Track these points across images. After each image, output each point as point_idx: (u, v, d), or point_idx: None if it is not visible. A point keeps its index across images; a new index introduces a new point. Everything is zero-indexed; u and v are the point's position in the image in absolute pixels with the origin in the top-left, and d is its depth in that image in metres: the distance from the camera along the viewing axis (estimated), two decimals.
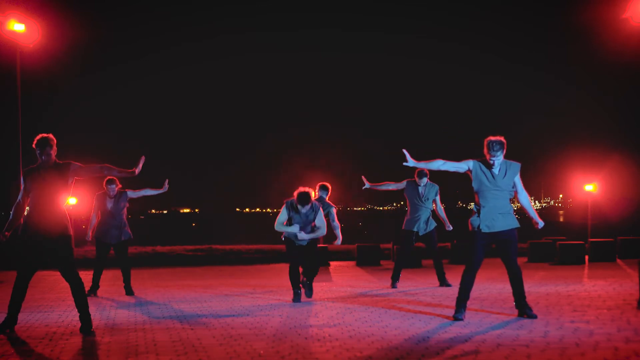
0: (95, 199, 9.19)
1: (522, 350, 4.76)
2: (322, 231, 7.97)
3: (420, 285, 9.63)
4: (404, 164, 6.48)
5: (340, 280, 10.70)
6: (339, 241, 8.78)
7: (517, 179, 6.34)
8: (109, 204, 9.06)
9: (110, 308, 7.75)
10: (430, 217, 9.41)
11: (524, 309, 6.24)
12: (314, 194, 9.17)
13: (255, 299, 8.37)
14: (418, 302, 7.60)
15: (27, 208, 6.17)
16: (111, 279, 11.28)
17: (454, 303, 6.65)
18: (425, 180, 9.25)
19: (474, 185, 6.33)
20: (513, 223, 6.29)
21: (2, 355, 5.19)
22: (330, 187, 9.29)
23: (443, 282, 9.37)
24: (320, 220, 7.93)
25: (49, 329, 6.27)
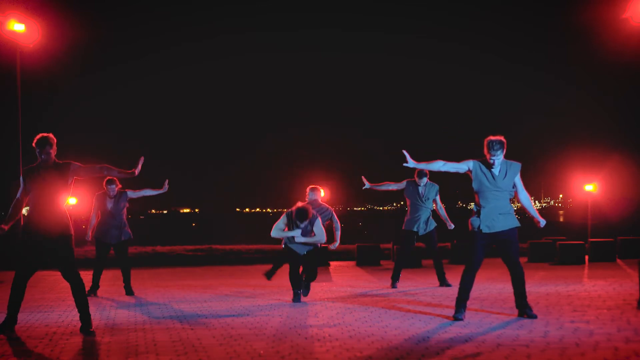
0: (95, 199, 9.19)
1: (522, 350, 4.76)
2: (321, 239, 8.00)
3: (420, 285, 9.63)
4: (404, 164, 6.48)
5: (340, 280, 10.70)
6: (336, 244, 8.76)
7: (518, 179, 6.34)
8: (109, 204, 9.07)
9: (110, 308, 7.75)
10: (430, 217, 9.41)
11: (524, 309, 6.24)
12: (321, 192, 9.19)
13: (255, 299, 8.37)
14: (418, 302, 7.60)
15: (27, 208, 6.17)
16: (111, 279, 11.28)
17: (454, 303, 6.65)
18: (425, 180, 9.25)
19: (474, 185, 6.32)
20: (513, 223, 6.29)
21: (2, 355, 5.19)
22: (320, 189, 9.28)
23: (443, 282, 9.37)
24: (318, 229, 7.96)
25: (49, 329, 6.27)
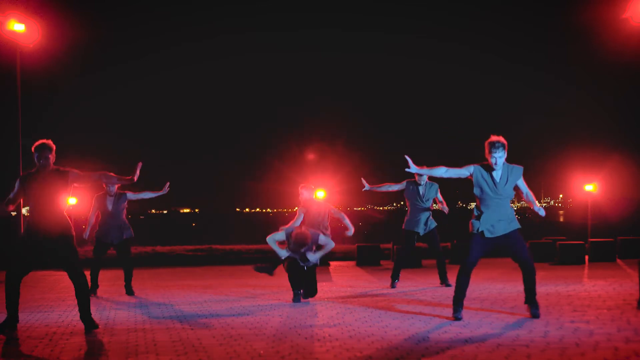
0: (95, 199, 9.20)
1: (522, 350, 4.76)
2: (329, 246, 8.08)
3: (420, 285, 9.63)
4: (407, 169, 6.50)
5: (340, 280, 10.70)
6: (351, 230, 9.06)
7: (521, 183, 6.31)
8: (109, 205, 9.09)
9: (110, 308, 7.75)
10: (431, 217, 9.41)
11: (530, 305, 6.23)
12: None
13: (255, 299, 8.37)
14: (418, 302, 7.60)
15: (27, 214, 6.17)
16: (111, 279, 11.29)
17: None
18: (425, 177, 9.24)
19: (475, 192, 6.32)
20: (515, 225, 6.30)
21: (2, 355, 5.19)
22: (312, 186, 9.34)
23: (444, 281, 9.37)
24: (323, 240, 8.00)
25: (49, 329, 6.27)
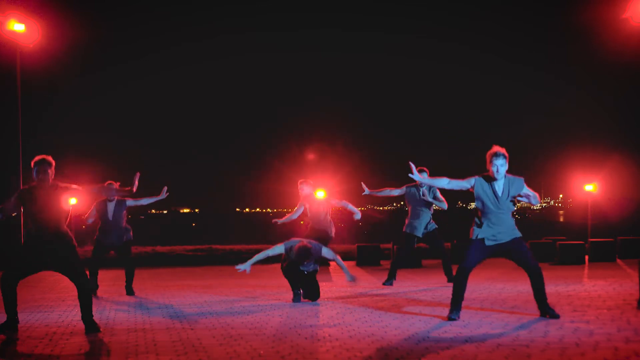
0: (96, 206, 9.25)
1: (522, 350, 4.75)
2: (333, 258, 8.14)
3: (420, 285, 9.64)
4: (410, 175, 6.53)
5: (340, 280, 10.70)
6: (357, 215, 9.41)
7: (526, 191, 6.28)
8: (110, 212, 9.16)
9: (110, 308, 7.75)
10: (431, 221, 9.41)
11: (544, 310, 6.23)
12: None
13: (255, 299, 8.37)
14: (418, 302, 7.60)
15: (29, 228, 6.20)
16: (111, 279, 11.29)
17: None
18: (425, 175, 9.21)
19: (477, 204, 6.33)
20: (516, 234, 6.33)
21: (2, 355, 5.19)
22: (310, 181, 9.37)
23: (451, 279, 9.39)
24: (326, 254, 8.01)
25: (49, 329, 6.27)
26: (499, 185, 6.21)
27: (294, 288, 8.00)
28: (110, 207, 9.13)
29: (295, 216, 9.42)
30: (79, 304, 6.16)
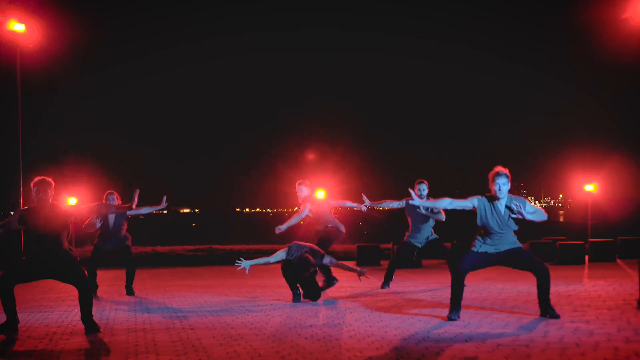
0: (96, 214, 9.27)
1: (522, 350, 4.75)
2: (335, 264, 8.21)
3: (420, 286, 9.64)
4: (410, 202, 6.61)
5: (340, 280, 10.69)
6: (361, 206, 9.35)
7: (531, 208, 6.28)
8: (110, 222, 9.20)
9: (110, 308, 7.75)
10: (432, 233, 9.39)
11: (545, 310, 6.23)
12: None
13: (255, 299, 8.37)
14: (418, 302, 7.60)
15: (30, 247, 6.23)
16: (111, 279, 11.29)
17: None
18: (425, 193, 9.19)
19: (479, 223, 6.34)
20: (518, 245, 6.39)
21: (2, 355, 5.19)
22: (307, 182, 9.33)
23: None
24: (330, 263, 8.10)
25: (49, 329, 6.27)
26: (502, 205, 6.25)
27: (293, 288, 8.00)
28: (111, 215, 9.17)
29: (298, 219, 9.17)
30: (78, 304, 6.16)
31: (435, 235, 9.38)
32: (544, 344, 4.95)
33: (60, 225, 6.13)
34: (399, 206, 9.42)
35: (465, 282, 6.36)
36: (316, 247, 8.21)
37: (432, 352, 4.78)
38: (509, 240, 6.33)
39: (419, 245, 9.39)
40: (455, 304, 6.24)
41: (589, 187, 17.80)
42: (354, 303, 7.70)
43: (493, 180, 6.22)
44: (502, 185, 6.19)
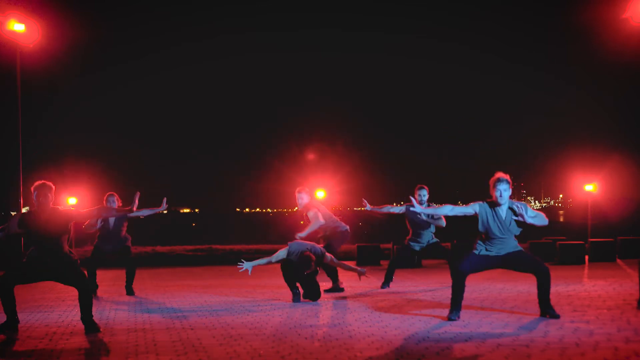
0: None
1: (522, 350, 4.75)
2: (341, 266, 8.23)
3: (420, 286, 9.64)
4: (411, 209, 6.69)
5: (341, 280, 10.68)
6: (368, 206, 9.40)
7: (531, 213, 6.28)
8: (111, 222, 9.23)
9: (110, 308, 7.75)
10: (433, 237, 9.38)
11: (545, 310, 6.23)
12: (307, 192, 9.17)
13: (255, 299, 8.37)
14: (418, 302, 7.60)
15: (31, 250, 6.24)
16: (111, 279, 11.29)
17: None
18: (425, 199, 9.19)
19: (480, 229, 6.35)
20: (519, 248, 6.40)
21: (2, 355, 5.19)
22: (306, 188, 9.27)
23: None
24: (329, 259, 8.12)
25: (49, 329, 6.27)
26: (503, 211, 6.27)
27: (293, 288, 8.00)
28: (111, 217, 9.16)
29: (317, 226, 9.02)
30: (79, 304, 6.17)
31: (435, 239, 9.38)
32: (544, 344, 4.95)
33: (61, 229, 6.13)
34: (399, 212, 9.43)
35: (466, 283, 6.36)
36: (317, 245, 8.20)
37: (432, 352, 4.78)
38: (510, 245, 6.34)
39: (419, 250, 9.41)
40: (456, 304, 6.24)
41: (589, 187, 17.81)
42: (354, 303, 7.70)
43: (494, 187, 6.23)
44: (504, 191, 6.20)
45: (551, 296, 6.33)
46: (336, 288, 8.69)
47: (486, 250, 6.33)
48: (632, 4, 12.01)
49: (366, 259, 14.28)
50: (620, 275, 10.32)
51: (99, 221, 9.12)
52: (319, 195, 9.72)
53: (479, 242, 6.39)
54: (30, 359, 4.96)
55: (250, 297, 8.52)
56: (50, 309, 7.75)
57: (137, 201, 6.45)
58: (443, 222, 9.36)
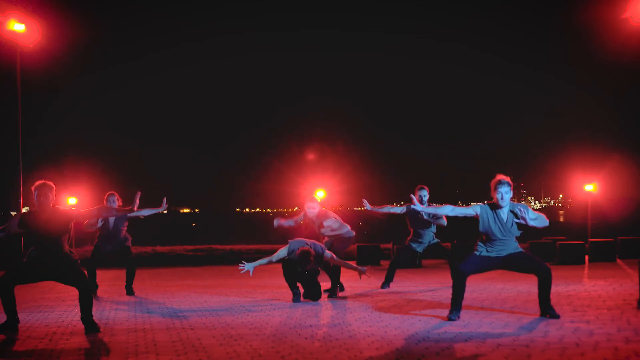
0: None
1: (522, 350, 4.75)
2: (344, 265, 8.20)
3: (420, 286, 9.64)
4: (412, 207, 6.68)
5: (341, 280, 10.68)
6: (368, 206, 9.33)
7: (532, 214, 6.28)
8: (111, 222, 9.22)
9: (110, 308, 7.75)
10: (434, 237, 9.37)
11: (545, 310, 6.23)
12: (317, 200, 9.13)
13: (255, 299, 8.37)
14: (418, 302, 7.60)
15: (31, 250, 6.24)
16: (111, 278, 11.29)
17: None
18: (425, 199, 9.19)
19: (481, 230, 6.36)
20: (519, 249, 6.41)
21: (2, 355, 5.19)
22: (315, 197, 9.19)
23: None
24: (330, 257, 8.08)
25: (49, 329, 6.27)
26: (504, 212, 6.27)
27: (293, 287, 8.00)
28: (112, 217, 9.16)
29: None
30: (79, 304, 6.17)
31: (436, 240, 9.38)
32: (544, 344, 4.95)
33: (61, 229, 6.13)
34: (400, 212, 9.42)
35: (466, 283, 6.36)
36: (318, 242, 8.19)
37: (432, 352, 4.78)
38: (511, 246, 6.35)
39: (420, 251, 9.41)
40: (456, 304, 6.25)
41: (589, 187, 17.82)
42: (354, 303, 7.70)
43: (495, 189, 6.23)
44: (505, 193, 6.20)
45: (551, 296, 6.34)
46: (333, 292, 8.63)
47: (487, 251, 6.34)
48: (632, 4, 12.01)
49: (366, 259, 14.29)
50: (620, 275, 10.32)
51: (99, 221, 9.12)
52: (318, 196, 9.70)
53: (480, 243, 6.39)
54: (30, 359, 4.96)
55: (250, 297, 8.52)
56: (50, 309, 7.75)
57: (137, 201, 6.45)
58: (444, 221, 9.35)
